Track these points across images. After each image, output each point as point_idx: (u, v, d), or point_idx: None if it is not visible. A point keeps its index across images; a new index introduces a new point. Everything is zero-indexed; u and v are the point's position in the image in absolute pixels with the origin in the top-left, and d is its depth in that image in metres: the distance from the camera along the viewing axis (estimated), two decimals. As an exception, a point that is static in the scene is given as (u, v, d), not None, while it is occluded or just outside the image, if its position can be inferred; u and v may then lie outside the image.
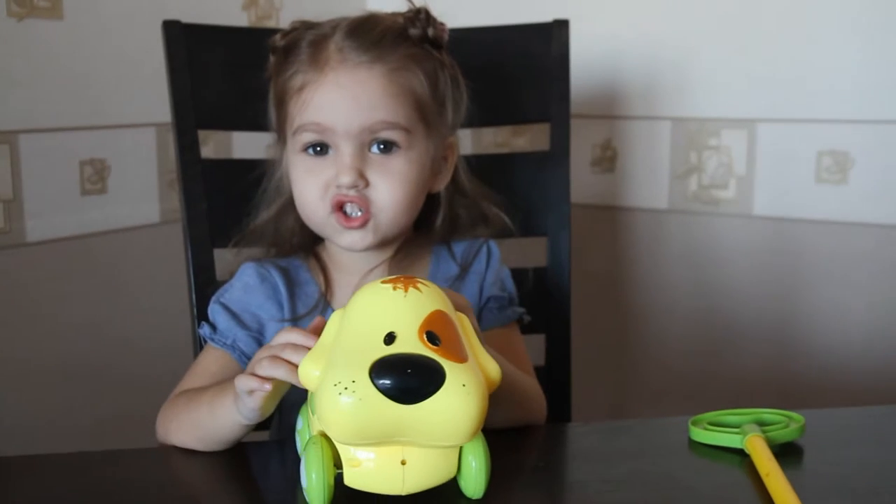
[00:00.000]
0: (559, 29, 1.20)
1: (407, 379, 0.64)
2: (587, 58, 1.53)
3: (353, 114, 0.91)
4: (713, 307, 1.59)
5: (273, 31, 1.01)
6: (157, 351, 1.43)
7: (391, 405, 0.64)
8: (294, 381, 0.73)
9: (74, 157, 1.35)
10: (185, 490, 0.82)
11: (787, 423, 0.86)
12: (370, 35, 0.93)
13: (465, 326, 0.72)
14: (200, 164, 1.12)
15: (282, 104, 0.96)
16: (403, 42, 0.94)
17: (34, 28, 1.29)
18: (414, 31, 0.95)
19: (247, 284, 0.97)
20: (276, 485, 0.80)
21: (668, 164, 1.59)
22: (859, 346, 1.49)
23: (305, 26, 0.96)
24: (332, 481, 0.69)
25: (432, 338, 0.67)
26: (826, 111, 1.47)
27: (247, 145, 1.49)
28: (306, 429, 0.77)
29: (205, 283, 1.10)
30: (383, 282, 0.71)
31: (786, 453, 0.81)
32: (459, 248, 1.03)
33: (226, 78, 1.15)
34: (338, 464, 0.70)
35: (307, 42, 0.94)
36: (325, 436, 0.70)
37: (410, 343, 0.66)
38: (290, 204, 0.99)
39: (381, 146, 0.92)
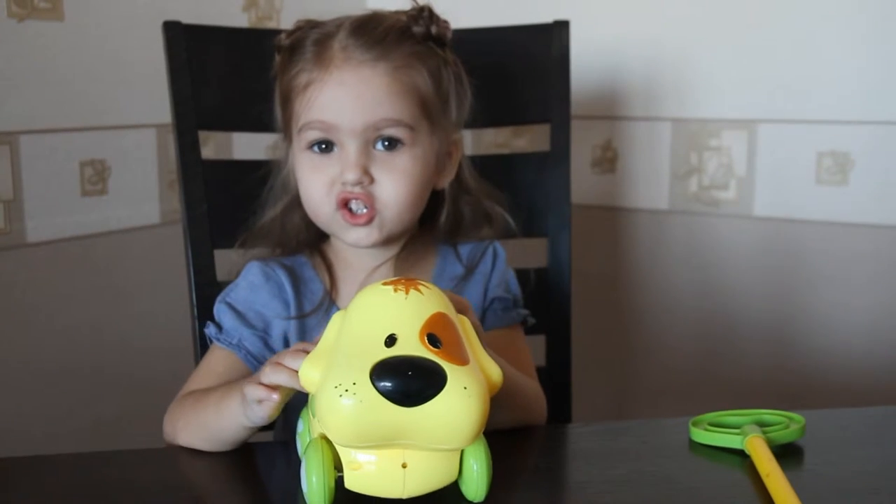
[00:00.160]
0: (560, 30, 1.20)
1: (408, 381, 0.64)
2: (588, 58, 1.53)
3: (358, 111, 0.91)
4: (714, 308, 1.59)
5: (274, 32, 1.01)
6: (157, 352, 1.43)
7: (392, 408, 0.64)
8: (296, 386, 0.73)
9: (75, 158, 1.35)
10: (186, 491, 0.82)
11: (788, 423, 0.86)
12: (374, 33, 0.93)
13: (466, 329, 0.71)
14: (201, 164, 1.12)
15: (287, 102, 0.97)
16: (407, 40, 0.94)
17: (34, 29, 1.29)
18: (417, 29, 0.95)
19: (252, 283, 0.97)
20: (281, 485, 0.80)
21: (668, 164, 1.59)
22: (860, 346, 1.49)
23: (310, 25, 0.97)
24: (332, 484, 0.69)
25: (433, 340, 0.67)
26: (826, 112, 1.47)
27: (247, 146, 1.49)
28: (307, 431, 0.77)
29: (205, 284, 1.10)
30: (384, 283, 0.71)
31: (786, 454, 0.81)
32: (466, 249, 1.03)
33: (226, 79, 1.15)
34: (338, 467, 0.70)
35: (312, 41, 0.95)
36: (325, 438, 0.70)
37: (411, 345, 0.66)
38: (296, 202, 0.99)
39: (386, 143, 0.92)
